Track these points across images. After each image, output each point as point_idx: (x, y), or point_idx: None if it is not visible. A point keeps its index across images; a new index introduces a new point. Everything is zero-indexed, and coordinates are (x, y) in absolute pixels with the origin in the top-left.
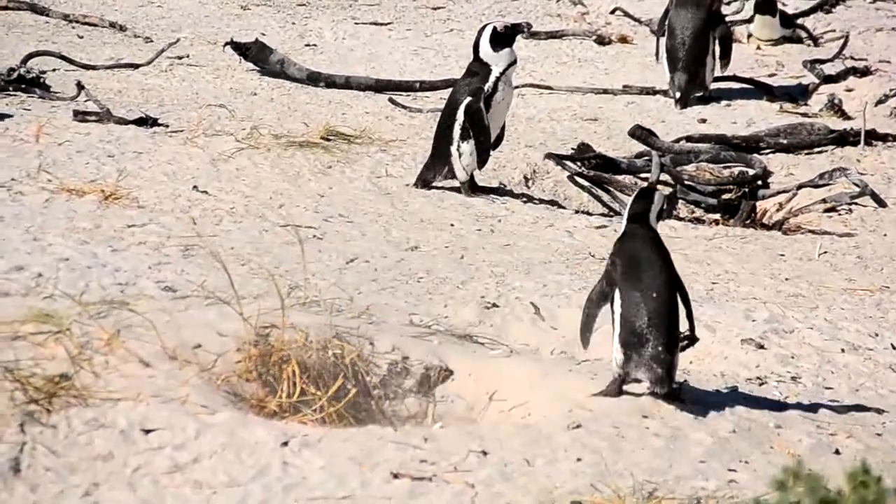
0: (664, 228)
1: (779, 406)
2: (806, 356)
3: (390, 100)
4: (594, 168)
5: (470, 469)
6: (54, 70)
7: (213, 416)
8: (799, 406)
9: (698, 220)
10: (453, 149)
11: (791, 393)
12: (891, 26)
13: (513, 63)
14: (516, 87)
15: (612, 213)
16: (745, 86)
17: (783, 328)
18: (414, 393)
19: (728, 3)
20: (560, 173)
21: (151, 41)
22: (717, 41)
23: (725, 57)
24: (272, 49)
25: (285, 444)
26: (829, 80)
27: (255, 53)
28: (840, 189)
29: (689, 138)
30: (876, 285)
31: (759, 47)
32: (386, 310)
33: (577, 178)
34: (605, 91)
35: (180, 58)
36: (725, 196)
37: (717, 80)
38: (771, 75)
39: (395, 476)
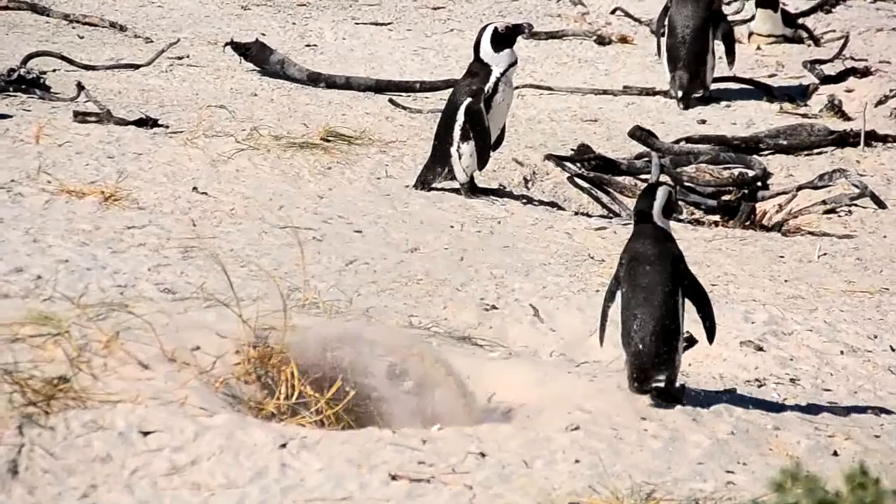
0: None
1: (777, 408)
2: (805, 358)
3: (390, 100)
4: (594, 169)
5: (468, 471)
6: (54, 70)
7: (212, 418)
8: (797, 408)
9: (698, 222)
10: (453, 150)
11: (790, 395)
12: (891, 26)
13: (513, 64)
14: (516, 87)
15: (611, 215)
16: (744, 86)
17: (782, 330)
18: (412, 395)
19: (728, 3)
20: (560, 174)
21: (151, 41)
22: (718, 39)
23: (730, 54)
24: (272, 49)
25: (283, 445)
26: (828, 80)
27: (255, 54)
28: (840, 190)
29: (688, 139)
30: (875, 287)
31: (759, 47)
32: (385, 312)
33: (577, 180)
34: (605, 92)
35: (180, 58)
36: (725, 197)
37: (716, 80)
38: (771, 76)
39: (394, 478)
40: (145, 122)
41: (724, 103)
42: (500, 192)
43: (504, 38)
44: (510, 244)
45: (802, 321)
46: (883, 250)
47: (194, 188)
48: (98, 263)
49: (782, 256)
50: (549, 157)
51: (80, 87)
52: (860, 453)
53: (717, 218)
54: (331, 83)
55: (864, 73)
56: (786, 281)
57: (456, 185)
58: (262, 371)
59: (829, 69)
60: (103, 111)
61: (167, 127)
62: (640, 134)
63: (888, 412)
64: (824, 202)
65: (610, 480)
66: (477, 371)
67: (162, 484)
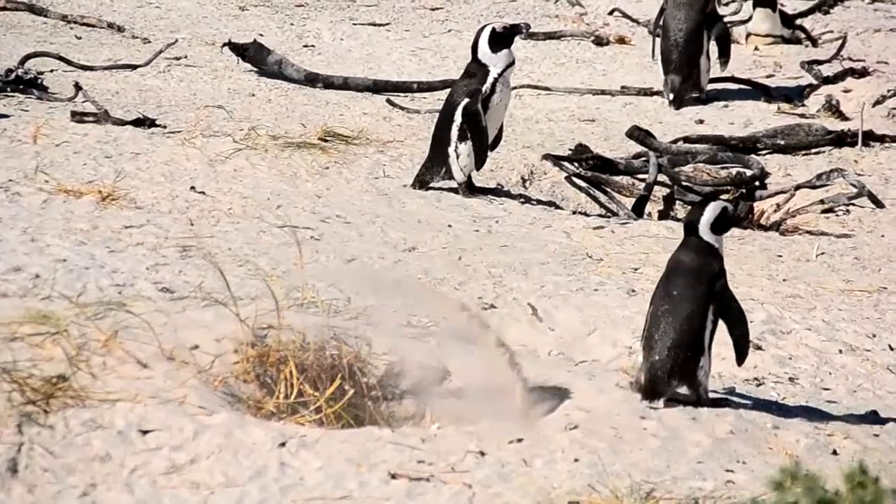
0: (661, 229)
1: (776, 407)
2: (804, 357)
3: (388, 101)
4: (592, 169)
5: (468, 469)
6: (52, 71)
7: (211, 416)
8: (796, 407)
9: None
10: (451, 150)
11: (789, 394)
12: (889, 27)
13: (511, 64)
14: (514, 87)
15: (609, 214)
16: (742, 87)
17: (781, 329)
18: (411, 394)
19: (726, 4)
20: (557, 174)
21: (149, 42)
22: (713, 41)
23: (724, 56)
24: (270, 50)
25: (283, 444)
26: (826, 80)
27: (252, 54)
28: (838, 190)
29: (686, 139)
30: (874, 286)
31: (756, 48)
32: (384, 311)
33: (575, 179)
34: (603, 92)
35: (178, 58)
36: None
37: (714, 80)
38: (769, 76)
39: (393, 476)
40: (143, 122)
41: (721, 103)
42: (497, 192)
43: (502, 39)
44: (508, 243)
45: (801, 320)
46: (881, 249)
47: (192, 188)
48: (96, 262)
49: (780, 256)
50: (546, 156)
51: (78, 87)
52: (859, 452)
53: None
54: (328, 83)
55: (862, 73)
56: (784, 280)
57: (454, 184)
58: (261, 370)
59: (827, 69)
60: (101, 111)
61: (165, 127)
62: (638, 134)
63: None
64: (822, 202)
65: (609, 479)
66: None
67: (161, 483)
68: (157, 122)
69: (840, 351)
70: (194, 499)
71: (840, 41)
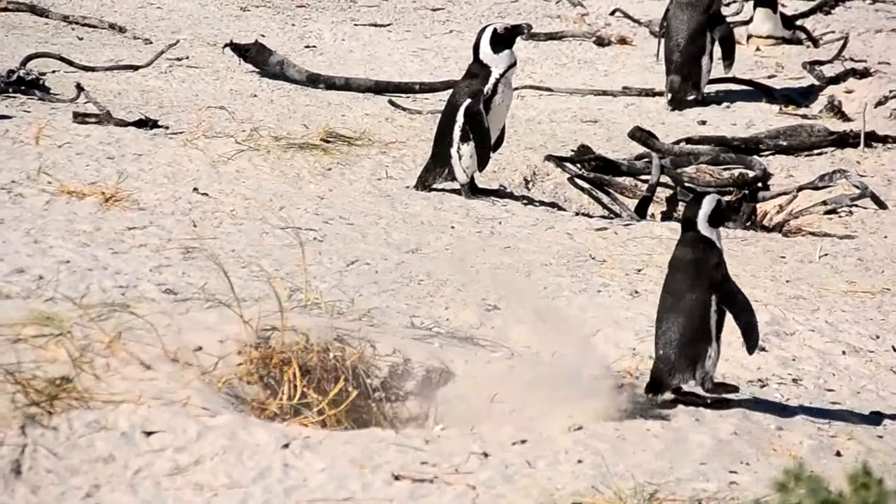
0: (664, 231)
1: (780, 408)
2: (807, 358)
3: (390, 101)
4: (594, 170)
5: (471, 471)
6: (54, 72)
7: (214, 418)
8: (800, 408)
9: None
10: (453, 151)
11: (792, 395)
12: (890, 27)
13: (513, 65)
14: (516, 88)
15: (612, 215)
16: (744, 87)
17: (784, 330)
18: (415, 395)
19: (728, 5)
20: (560, 175)
21: (151, 43)
22: (716, 42)
23: (728, 57)
24: (272, 51)
25: (286, 446)
26: (828, 81)
27: (254, 55)
28: (840, 191)
29: (688, 140)
30: (877, 287)
31: (758, 48)
32: (387, 312)
33: (577, 180)
34: (605, 93)
35: (180, 59)
36: (725, 198)
37: (716, 81)
38: (770, 77)
39: (397, 478)
40: (145, 123)
41: (723, 104)
42: (500, 193)
43: (503, 40)
44: (511, 245)
45: (804, 321)
46: (884, 251)
47: (195, 189)
48: (99, 264)
49: (783, 257)
50: (549, 157)
51: (80, 88)
52: (863, 453)
53: None
54: (330, 84)
55: (864, 73)
56: (787, 281)
57: (456, 185)
58: (265, 371)
59: (829, 70)
60: (103, 112)
61: (167, 128)
62: (640, 135)
63: (887, 422)
64: (825, 203)
65: (613, 480)
66: (479, 371)
67: (165, 484)
68: (159, 123)
69: (843, 352)
70: (198, 500)
71: (841, 42)
